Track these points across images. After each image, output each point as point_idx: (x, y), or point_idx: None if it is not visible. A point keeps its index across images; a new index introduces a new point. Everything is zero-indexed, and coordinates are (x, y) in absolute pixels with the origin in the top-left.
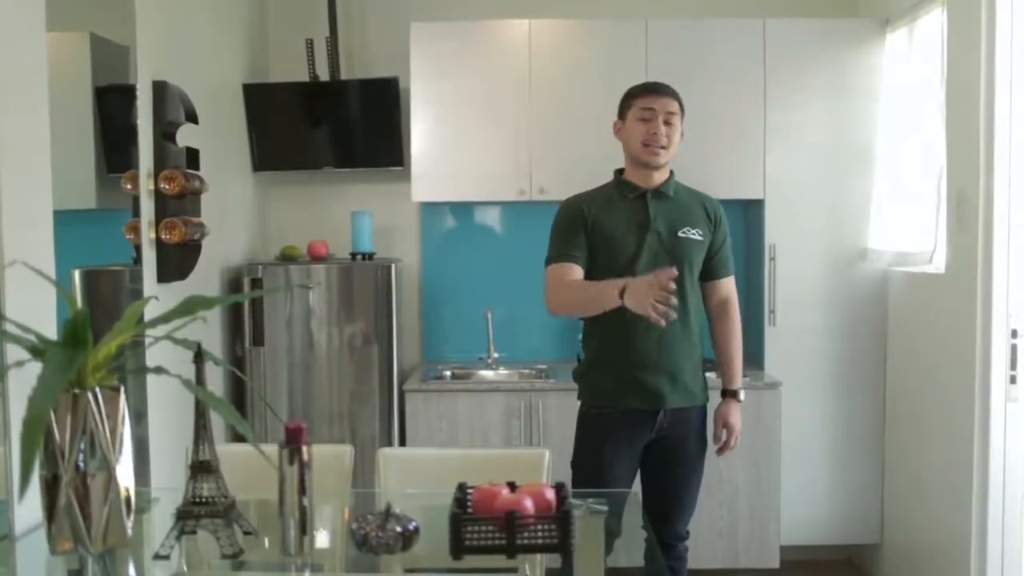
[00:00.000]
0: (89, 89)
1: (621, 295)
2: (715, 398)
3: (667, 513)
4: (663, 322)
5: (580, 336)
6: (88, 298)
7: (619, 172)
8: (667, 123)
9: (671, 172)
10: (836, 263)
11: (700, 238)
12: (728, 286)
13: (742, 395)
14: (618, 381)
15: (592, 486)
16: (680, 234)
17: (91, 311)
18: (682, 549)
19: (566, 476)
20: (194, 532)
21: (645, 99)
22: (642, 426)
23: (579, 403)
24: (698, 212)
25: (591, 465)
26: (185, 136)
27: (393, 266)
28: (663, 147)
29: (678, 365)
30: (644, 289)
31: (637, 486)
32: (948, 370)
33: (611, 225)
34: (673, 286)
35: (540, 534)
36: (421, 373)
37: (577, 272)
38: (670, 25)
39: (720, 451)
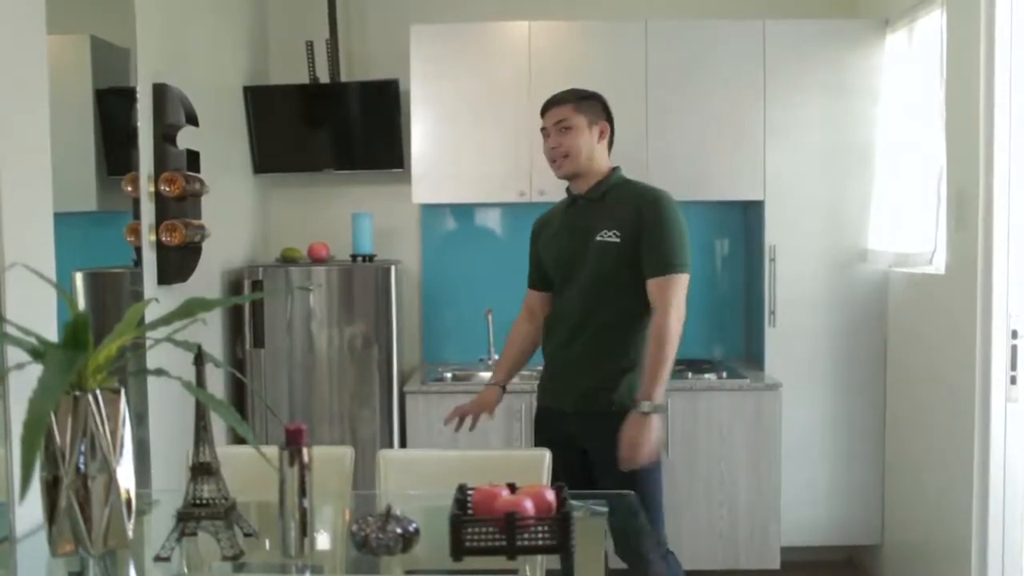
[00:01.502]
0: (89, 91)
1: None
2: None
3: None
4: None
5: None
6: (89, 300)
7: None
8: (564, 130)
9: (612, 171)
10: (836, 264)
11: (616, 240)
12: (658, 288)
13: (645, 407)
14: (546, 379)
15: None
16: (598, 238)
17: (92, 313)
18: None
19: None
20: (195, 534)
21: (542, 121)
22: (556, 425)
23: None
24: (624, 213)
25: None
26: (185, 138)
27: (393, 268)
28: (564, 156)
29: (581, 368)
30: (472, 404)
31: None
32: (948, 371)
33: (548, 234)
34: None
35: (540, 535)
36: (421, 375)
37: (533, 297)
38: (670, 26)
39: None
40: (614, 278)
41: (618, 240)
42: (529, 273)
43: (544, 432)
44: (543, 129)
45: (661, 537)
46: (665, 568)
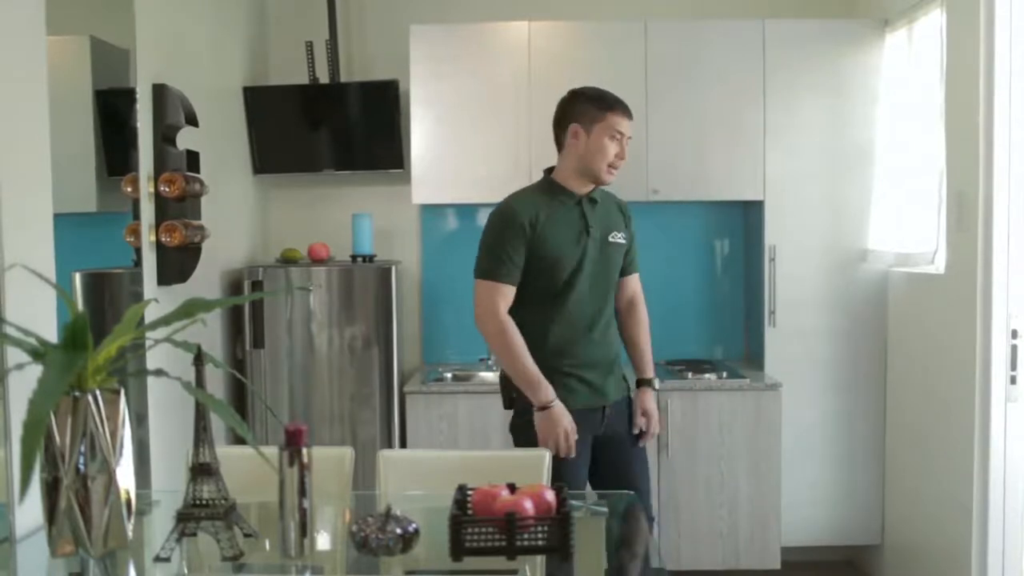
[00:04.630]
0: (89, 92)
1: (543, 407)
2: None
3: None
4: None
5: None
6: (88, 301)
7: (548, 172)
8: (625, 146)
9: None
10: (836, 264)
11: (623, 241)
12: (638, 282)
13: (657, 383)
14: (568, 383)
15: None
16: (610, 239)
17: (91, 314)
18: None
19: None
20: (194, 534)
21: (619, 120)
22: (592, 424)
23: (514, 413)
24: (617, 215)
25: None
26: (185, 139)
27: (393, 268)
28: (616, 169)
29: (613, 361)
30: (559, 435)
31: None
32: (948, 371)
33: (557, 233)
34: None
35: (540, 535)
36: (421, 375)
37: (510, 295)
38: (669, 25)
39: (639, 439)
40: (617, 276)
41: (623, 242)
42: (511, 268)
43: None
44: (619, 132)
45: (651, 511)
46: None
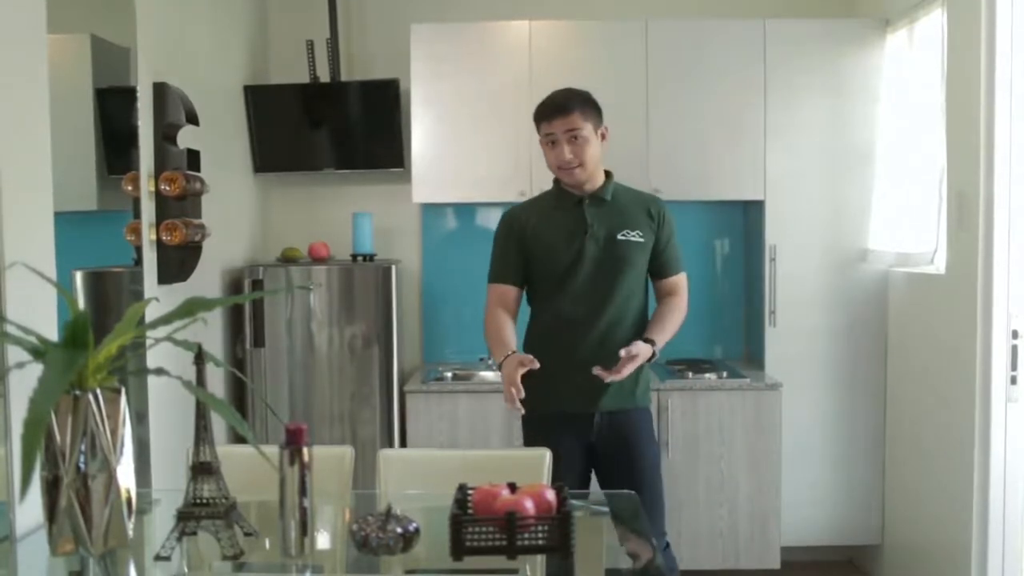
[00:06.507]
0: (90, 91)
1: (498, 367)
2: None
3: None
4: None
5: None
6: (89, 299)
7: (558, 179)
8: (572, 140)
9: (608, 175)
10: (836, 264)
11: (641, 239)
12: (678, 283)
13: (656, 349)
14: (556, 383)
15: None
16: (619, 237)
17: (92, 313)
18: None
19: None
20: (195, 533)
21: (544, 126)
22: (580, 428)
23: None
24: (638, 214)
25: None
26: (186, 138)
27: (394, 267)
28: (579, 166)
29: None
30: (506, 379)
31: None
32: (948, 371)
33: (549, 233)
34: (518, 406)
35: (540, 535)
36: (422, 374)
37: (509, 293)
38: (670, 25)
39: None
40: (636, 277)
41: (642, 240)
42: (502, 269)
43: (555, 435)
44: (549, 135)
45: (662, 529)
46: (664, 561)
